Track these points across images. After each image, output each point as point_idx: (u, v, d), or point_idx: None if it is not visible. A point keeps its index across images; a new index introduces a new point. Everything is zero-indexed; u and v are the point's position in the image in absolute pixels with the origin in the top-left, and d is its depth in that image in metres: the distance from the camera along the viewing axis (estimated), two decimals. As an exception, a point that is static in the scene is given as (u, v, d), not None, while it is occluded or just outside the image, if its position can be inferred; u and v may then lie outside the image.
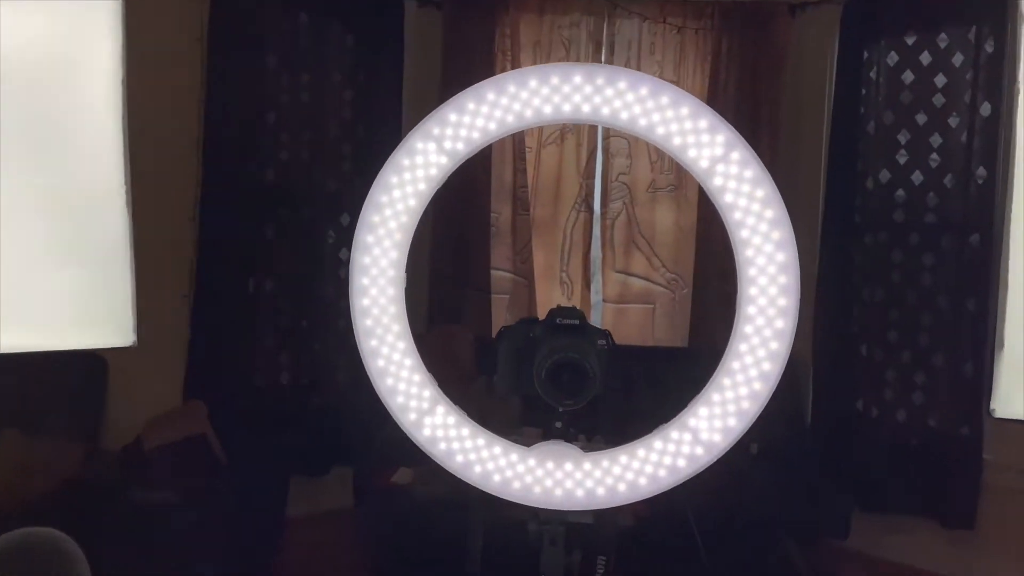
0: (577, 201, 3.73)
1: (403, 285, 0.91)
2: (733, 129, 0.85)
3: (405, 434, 0.93)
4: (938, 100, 3.06)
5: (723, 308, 3.26)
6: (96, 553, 2.36)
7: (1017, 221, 2.93)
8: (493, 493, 0.92)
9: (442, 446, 0.92)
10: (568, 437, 0.94)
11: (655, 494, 0.90)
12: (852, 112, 3.25)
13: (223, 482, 2.66)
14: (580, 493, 0.90)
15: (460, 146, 0.88)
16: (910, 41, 3.12)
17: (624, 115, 0.86)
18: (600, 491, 0.90)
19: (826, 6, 3.37)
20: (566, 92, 0.86)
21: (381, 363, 0.92)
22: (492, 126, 0.88)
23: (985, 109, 2.93)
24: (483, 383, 2.90)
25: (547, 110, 0.87)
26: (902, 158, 3.15)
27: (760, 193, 0.85)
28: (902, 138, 3.15)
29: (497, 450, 0.92)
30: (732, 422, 0.88)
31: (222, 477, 2.67)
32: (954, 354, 3.02)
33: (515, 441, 0.92)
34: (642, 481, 0.89)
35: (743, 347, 0.87)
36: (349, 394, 3.24)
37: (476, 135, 0.88)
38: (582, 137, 3.68)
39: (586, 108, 0.86)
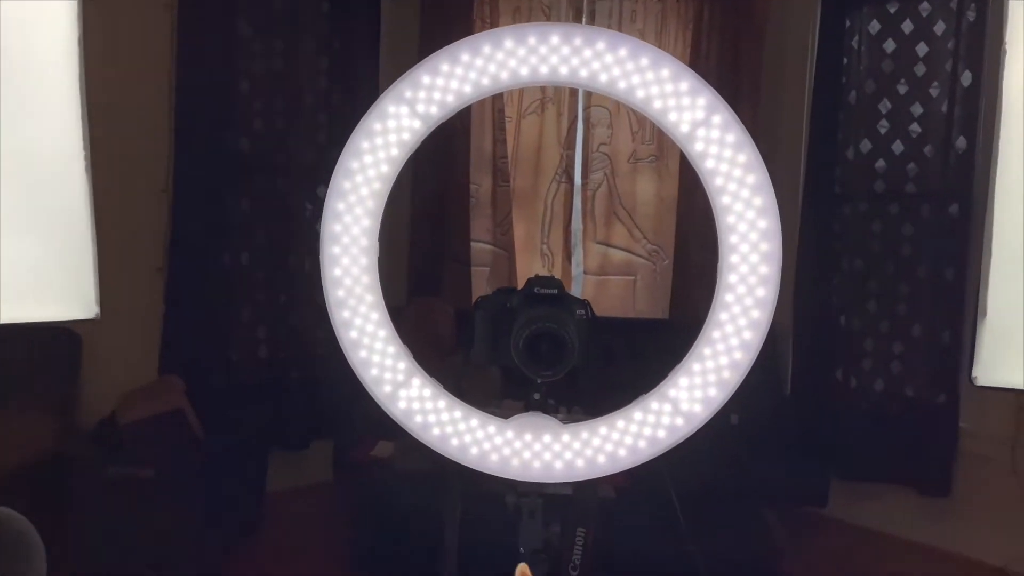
0: (558, 172, 3.70)
1: (376, 254, 0.88)
2: (715, 92, 0.82)
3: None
4: (919, 69, 3.05)
5: (704, 279, 3.26)
6: (70, 529, 2.34)
7: (1002, 187, 2.94)
8: (470, 466, 0.90)
9: (418, 419, 0.90)
10: (547, 409, 0.92)
11: (635, 466, 0.88)
12: (834, 82, 3.23)
13: (201, 457, 2.64)
14: (559, 465, 0.89)
15: (434, 110, 0.85)
16: (892, 9, 3.10)
17: (603, 77, 0.83)
18: (579, 463, 0.89)
19: (808, -26, 3.34)
20: (543, 53, 0.83)
21: (354, 334, 0.89)
22: (467, 88, 0.85)
23: (966, 78, 2.92)
24: (461, 357, 2.88)
25: (523, 72, 0.84)
26: (883, 128, 3.14)
27: (742, 158, 0.83)
28: (883, 108, 3.14)
29: (474, 422, 0.90)
30: (713, 392, 0.86)
31: (200, 452, 2.65)
32: (932, 323, 3.04)
33: (493, 414, 0.90)
34: (622, 452, 0.88)
35: (724, 316, 0.85)
36: (328, 368, 3.21)
37: (450, 98, 0.85)
38: (562, 107, 3.64)
39: (564, 70, 0.83)
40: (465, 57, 0.84)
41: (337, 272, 0.88)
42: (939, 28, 3.00)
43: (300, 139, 3.27)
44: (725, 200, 0.83)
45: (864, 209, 3.21)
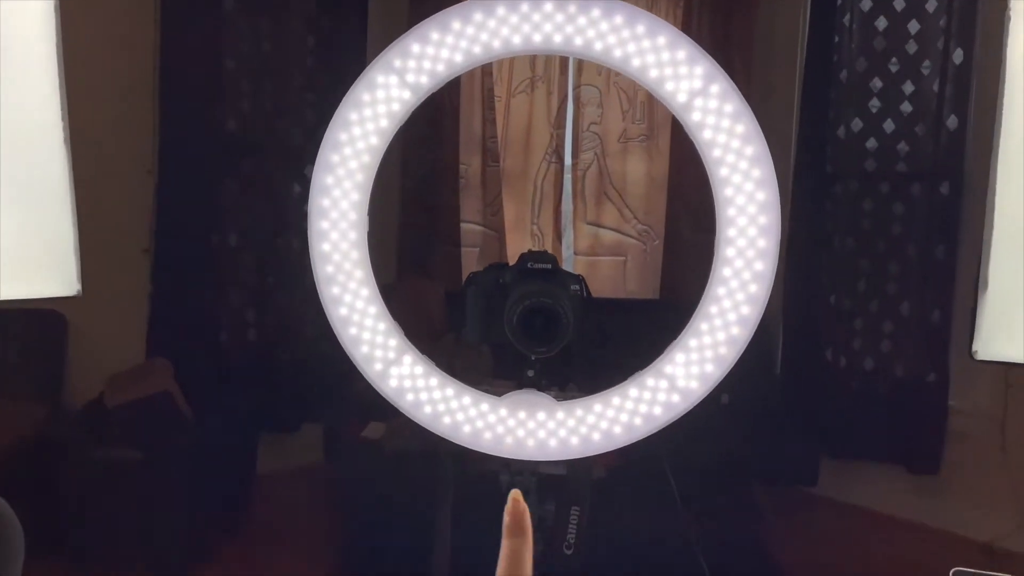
0: (548, 152, 3.67)
1: (366, 229, 0.86)
2: (713, 61, 0.80)
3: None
4: (911, 47, 3.04)
5: (695, 260, 3.25)
6: (59, 511, 2.33)
7: (1004, 158, 2.92)
8: (463, 444, 0.88)
9: (409, 397, 0.88)
10: (540, 387, 0.91)
11: (630, 443, 0.87)
12: (825, 60, 3.21)
13: (190, 440, 2.62)
14: (553, 443, 0.87)
15: (424, 79, 0.83)
16: (885, -15, 3.08)
17: (598, 45, 0.81)
18: (574, 440, 0.87)
19: (801, -50, 3.31)
20: (536, 21, 0.81)
21: (344, 311, 0.87)
22: (458, 57, 0.82)
23: (958, 56, 2.91)
24: (453, 337, 2.87)
25: (516, 40, 0.81)
26: (874, 107, 3.13)
27: (740, 129, 0.81)
28: (874, 86, 3.12)
29: (467, 400, 0.88)
30: (710, 368, 0.85)
31: (189, 435, 2.63)
32: (922, 302, 3.04)
33: (486, 392, 0.89)
34: (617, 430, 0.86)
35: (721, 290, 0.84)
36: (318, 349, 3.19)
37: (441, 67, 0.83)
38: (552, 86, 3.60)
39: (558, 38, 0.81)
40: (456, 25, 0.81)
41: (326, 247, 0.86)
42: (931, 5, 2.98)
43: (288, 119, 3.23)
44: (723, 172, 0.82)
45: (855, 188, 3.20)
